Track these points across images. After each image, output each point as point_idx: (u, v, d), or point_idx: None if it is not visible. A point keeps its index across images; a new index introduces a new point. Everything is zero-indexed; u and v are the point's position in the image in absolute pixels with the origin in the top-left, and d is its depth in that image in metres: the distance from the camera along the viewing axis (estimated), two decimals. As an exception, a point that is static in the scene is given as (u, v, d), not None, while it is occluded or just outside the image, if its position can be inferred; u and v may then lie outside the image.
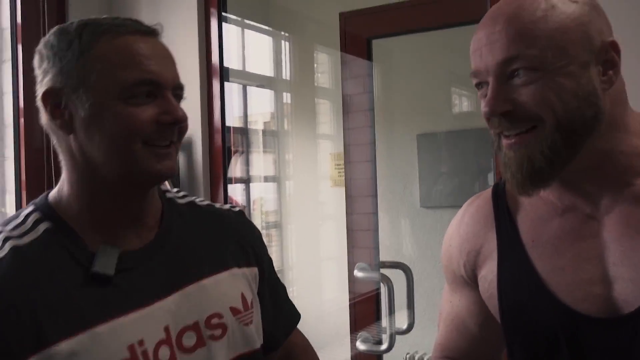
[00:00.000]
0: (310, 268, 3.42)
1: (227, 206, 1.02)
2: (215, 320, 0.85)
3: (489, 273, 0.88)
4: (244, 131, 3.38)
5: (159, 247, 0.85)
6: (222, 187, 2.06)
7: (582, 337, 0.78)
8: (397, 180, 2.86)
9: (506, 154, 0.78)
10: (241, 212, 1.02)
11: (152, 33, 0.82)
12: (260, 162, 3.53)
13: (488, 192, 0.94)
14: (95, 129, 0.78)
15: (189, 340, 0.82)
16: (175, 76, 0.82)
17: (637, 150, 0.78)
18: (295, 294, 3.36)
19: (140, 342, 0.77)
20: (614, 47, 0.76)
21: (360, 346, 2.05)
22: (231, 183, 3.17)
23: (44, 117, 0.81)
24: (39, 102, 0.80)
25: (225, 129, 2.08)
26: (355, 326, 2.21)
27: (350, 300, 2.29)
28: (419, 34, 2.22)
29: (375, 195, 2.32)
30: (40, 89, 0.80)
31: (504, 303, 0.86)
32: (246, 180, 3.41)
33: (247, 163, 3.43)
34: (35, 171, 1.95)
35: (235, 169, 3.36)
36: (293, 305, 1.07)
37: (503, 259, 0.86)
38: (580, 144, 0.75)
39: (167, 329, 0.80)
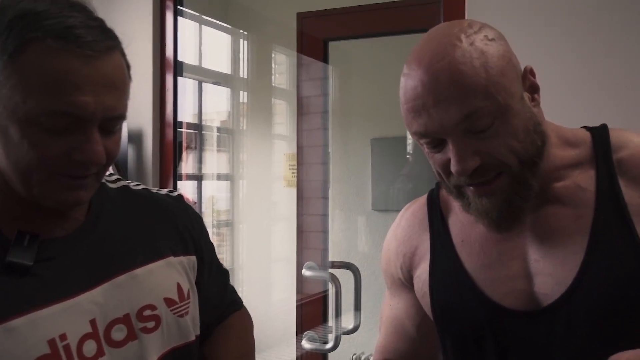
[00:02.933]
0: (261, 268, 3.41)
1: (164, 191, 0.96)
2: (147, 312, 0.80)
3: (422, 273, 0.92)
4: (198, 127, 3.33)
5: (86, 235, 0.79)
6: (171, 183, 2.03)
7: (507, 329, 0.82)
8: (350, 183, 2.88)
9: (479, 202, 0.79)
10: (180, 197, 0.97)
11: (101, 53, 0.68)
12: (214, 160, 3.49)
13: (423, 198, 0.98)
14: (0, 143, 0.69)
15: (119, 333, 0.77)
16: (109, 107, 0.69)
17: (556, 158, 0.82)
18: (245, 294, 3.33)
19: (62, 337, 0.71)
20: (532, 72, 0.80)
21: (306, 345, 2.05)
22: (182, 179, 3.12)
23: None
24: None
25: (177, 123, 2.06)
26: (302, 327, 2.21)
27: (297, 301, 2.29)
28: (376, 39, 2.25)
29: (327, 197, 2.33)
30: None
31: (435, 300, 0.89)
32: (198, 178, 3.36)
33: (200, 160, 3.39)
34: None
35: (188, 165, 3.31)
36: (235, 292, 1.03)
37: (435, 259, 0.90)
38: (540, 168, 0.79)
39: (93, 322, 0.75)
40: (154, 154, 1.99)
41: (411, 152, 2.75)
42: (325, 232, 2.30)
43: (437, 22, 1.52)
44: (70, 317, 0.73)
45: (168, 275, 0.85)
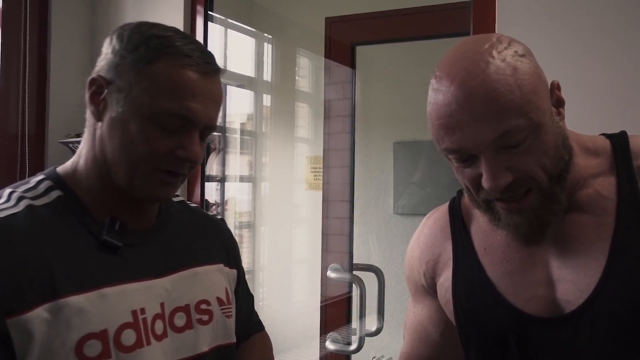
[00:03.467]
0: (282, 270, 3.43)
1: (211, 213, 1.11)
2: (204, 306, 0.90)
3: (445, 280, 0.93)
4: (221, 129, 3.37)
5: (158, 233, 0.91)
6: (199, 185, 2.05)
7: (530, 336, 0.83)
8: (372, 187, 2.89)
9: (510, 218, 0.80)
10: (223, 220, 1.10)
11: (211, 73, 0.84)
12: (237, 162, 3.52)
13: (445, 205, 0.99)
14: (118, 132, 0.82)
15: (180, 320, 0.87)
16: (211, 117, 0.84)
17: (580, 168, 0.83)
18: (266, 295, 3.36)
19: (142, 310, 0.81)
20: (558, 87, 0.80)
21: (330, 346, 2.07)
22: (208, 181, 3.15)
23: (86, 95, 0.85)
24: (87, 80, 0.85)
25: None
26: (325, 328, 2.23)
27: (322, 302, 2.30)
28: (402, 43, 2.26)
29: (352, 201, 2.34)
30: (95, 69, 0.85)
31: (458, 307, 0.91)
32: (221, 179, 3.39)
33: (223, 162, 3.42)
34: (9, 159, 1.92)
35: (212, 167, 3.35)
36: (258, 316, 1.13)
37: (457, 266, 0.92)
38: (567, 182, 0.80)
39: (162, 305, 0.85)
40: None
41: (433, 156, 2.75)
42: (349, 235, 2.31)
43: (466, 27, 1.53)
44: (148, 295, 0.83)
45: (220, 279, 0.97)
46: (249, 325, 1.08)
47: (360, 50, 2.27)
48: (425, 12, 1.93)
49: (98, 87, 0.83)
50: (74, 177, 0.86)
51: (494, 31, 1.47)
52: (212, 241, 1.00)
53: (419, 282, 1.00)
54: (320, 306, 2.30)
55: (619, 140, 0.85)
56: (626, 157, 0.83)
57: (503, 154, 0.75)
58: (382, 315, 2.06)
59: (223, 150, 3.38)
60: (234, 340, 0.96)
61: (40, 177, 0.86)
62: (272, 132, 3.51)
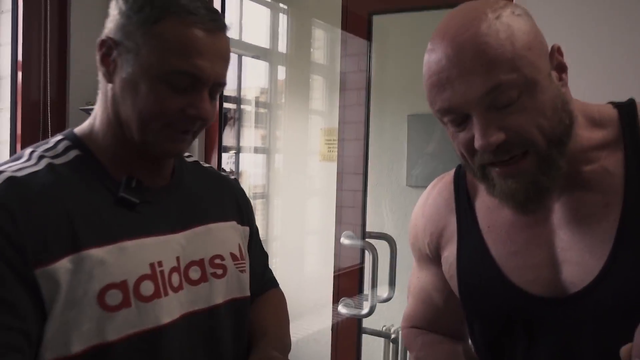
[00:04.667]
0: (295, 240, 3.48)
1: (225, 172, 1.12)
2: (218, 261, 0.93)
3: (450, 255, 0.93)
4: (237, 100, 3.39)
5: (173, 191, 0.93)
6: (216, 154, 2.09)
7: (534, 315, 0.82)
8: (386, 159, 2.90)
9: (504, 184, 0.77)
10: (237, 179, 1.13)
11: (217, 30, 0.84)
12: (251, 133, 3.55)
13: (450, 174, 0.97)
14: (129, 93, 0.83)
15: (195, 274, 0.90)
16: (219, 75, 0.85)
17: (583, 140, 0.80)
18: (279, 265, 3.42)
19: (159, 263, 0.84)
20: (559, 51, 0.77)
21: (342, 310, 2.12)
22: (225, 152, 3.19)
23: (97, 57, 0.86)
24: (97, 42, 0.86)
25: (223, 97, 2.11)
26: (338, 297, 2.27)
27: (335, 272, 2.35)
28: (419, 13, 2.24)
29: (366, 174, 2.36)
30: (104, 31, 0.86)
31: (462, 284, 0.90)
32: (236, 150, 3.43)
33: (238, 133, 3.45)
34: (31, 124, 1.96)
35: (228, 138, 3.38)
36: (272, 273, 1.15)
37: (462, 243, 0.91)
38: (567, 149, 0.77)
39: (178, 259, 0.88)
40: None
41: (441, 132, 2.75)
42: (362, 207, 2.34)
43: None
44: (164, 249, 0.86)
45: (233, 235, 0.99)
46: (263, 281, 1.10)
47: (377, 21, 2.26)
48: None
49: (107, 48, 0.84)
50: (91, 137, 0.88)
51: None
52: (225, 199, 1.02)
53: (423, 251, 1.00)
54: (333, 276, 2.35)
55: (626, 110, 0.81)
56: (634, 129, 0.79)
57: (495, 113, 0.72)
58: (394, 283, 2.10)
59: (238, 122, 3.40)
60: (248, 294, 0.99)
61: (59, 137, 0.88)
62: (286, 104, 3.52)
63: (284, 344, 1.00)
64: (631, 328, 0.63)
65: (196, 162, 1.06)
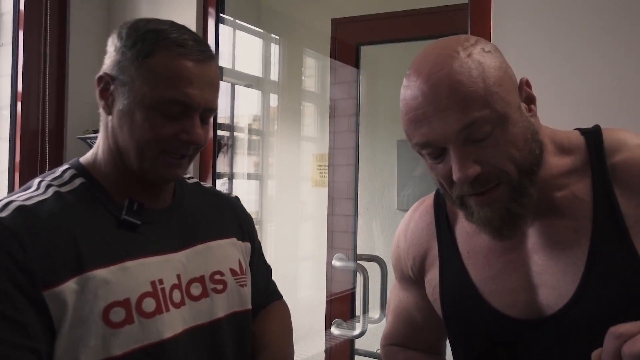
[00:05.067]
0: (288, 266, 3.50)
1: (225, 192, 1.19)
2: (218, 277, 0.98)
3: (433, 279, 0.96)
4: (230, 128, 3.45)
5: (174, 212, 0.99)
6: (210, 181, 2.13)
7: (514, 338, 0.85)
8: (376, 183, 2.96)
9: (481, 211, 0.80)
10: (237, 198, 1.18)
11: (206, 60, 0.90)
12: (244, 160, 3.60)
13: (430, 198, 1.01)
14: (125, 122, 0.89)
15: (196, 290, 0.94)
16: (209, 101, 0.90)
17: (553, 167, 0.84)
18: (272, 290, 3.42)
19: (160, 281, 0.89)
20: (527, 83, 0.81)
21: (335, 331, 2.13)
22: (218, 178, 3.23)
23: (96, 92, 0.93)
24: (95, 78, 0.92)
25: (217, 124, 2.16)
26: (330, 322, 2.29)
27: (327, 297, 2.37)
28: (405, 43, 2.33)
29: (356, 198, 2.41)
30: (102, 68, 0.92)
31: (446, 307, 0.94)
32: (229, 176, 3.48)
33: (231, 159, 3.50)
34: (30, 154, 2.00)
35: (219, 164, 3.43)
36: (276, 286, 1.20)
37: (444, 268, 0.94)
38: (538, 177, 0.81)
39: (179, 277, 0.92)
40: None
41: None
42: (354, 232, 2.38)
43: (463, 27, 1.61)
44: (165, 268, 0.91)
45: (233, 252, 1.04)
46: (266, 293, 1.15)
47: (365, 50, 2.35)
48: (425, 14, 2.01)
49: (105, 83, 0.91)
50: (94, 166, 0.94)
51: (489, 31, 1.54)
52: (225, 217, 1.07)
53: (405, 273, 1.03)
54: (326, 300, 2.37)
55: (592, 136, 0.85)
56: (600, 155, 0.82)
57: (470, 147, 0.76)
58: (385, 303, 2.12)
59: (232, 148, 3.46)
60: (249, 307, 1.03)
61: (65, 166, 0.94)
62: (279, 131, 3.59)
63: (286, 356, 1.04)
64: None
65: (197, 183, 1.12)
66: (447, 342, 1.08)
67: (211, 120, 0.95)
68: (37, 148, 2.00)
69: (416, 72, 0.79)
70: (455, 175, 0.77)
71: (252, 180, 3.60)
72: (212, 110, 0.92)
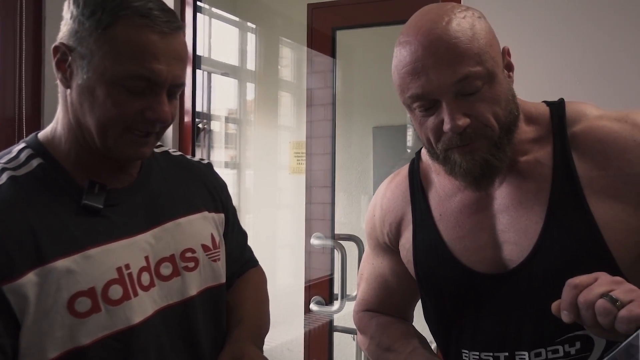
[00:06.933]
0: (266, 253, 3.53)
1: (196, 158, 1.10)
2: (189, 254, 0.94)
3: (407, 242, 1.02)
4: (207, 117, 3.46)
5: (140, 189, 0.93)
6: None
7: (479, 290, 0.93)
8: (353, 170, 3.01)
9: (463, 161, 0.86)
10: (209, 164, 1.11)
11: (172, 31, 0.83)
12: (222, 149, 3.62)
13: (405, 170, 1.06)
14: (86, 99, 0.82)
15: (166, 270, 0.91)
16: (176, 76, 0.84)
17: (522, 133, 0.90)
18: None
19: (127, 266, 0.85)
20: (508, 52, 0.89)
21: (314, 307, 2.17)
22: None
23: (52, 63, 0.86)
24: (51, 48, 0.85)
25: (195, 113, 2.17)
26: (308, 308, 2.32)
27: (305, 283, 2.41)
28: (380, 28, 2.37)
29: (333, 186, 2.45)
30: (58, 36, 0.85)
31: (418, 266, 1.00)
32: (207, 165, 3.48)
33: (208, 149, 3.51)
34: (6, 141, 1.99)
35: (197, 154, 3.43)
36: (252, 252, 1.16)
37: (417, 230, 1.00)
38: (514, 137, 0.88)
39: (147, 259, 0.88)
40: (173, 141, 2.11)
41: (411, 139, 2.88)
42: (331, 219, 2.42)
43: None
44: (131, 252, 0.87)
45: (204, 226, 0.99)
46: (241, 261, 1.11)
47: (341, 36, 2.38)
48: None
49: (62, 54, 0.83)
50: (53, 143, 0.86)
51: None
52: (195, 189, 1.01)
53: (380, 240, 1.08)
54: (305, 286, 2.41)
55: (556, 108, 0.92)
56: (562, 125, 0.89)
57: (461, 100, 0.83)
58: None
59: (209, 138, 3.47)
60: (223, 281, 1.00)
61: (22, 145, 0.87)
62: (256, 120, 3.61)
63: (260, 329, 1.03)
64: (558, 297, 0.71)
65: (165, 152, 1.04)
66: (415, 310, 1.15)
67: (188, 91, 0.91)
68: (14, 134, 1.99)
69: (415, 28, 0.85)
70: (447, 126, 0.83)
71: (230, 170, 3.61)
72: (180, 85, 0.86)
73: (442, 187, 0.99)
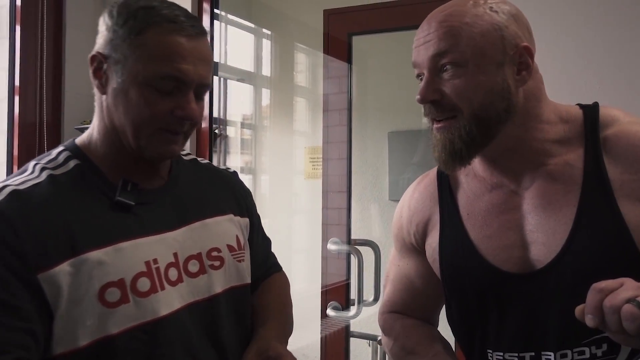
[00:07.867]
0: (283, 258, 3.53)
1: (223, 167, 1.18)
2: (215, 253, 0.99)
3: (433, 241, 1.03)
4: (223, 122, 3.48)
5: (170, 190, 0.99)
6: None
7: (505, 290, 0.93)
8: (369, 175, 3.01)
9: (434, 136, 0.92)
10: (235, 172, 1.17)
11: (198, 35, 0.91)
12: (237, 153, 3.64)
13: (433, 172, 1.09)
14: (120, 101, 0.89)
15: (194, 267, 0.96)
16: (203, 77, 0.91)
17: (548, 135, 0.92)
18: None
19: (155, 260, 0.90)
20: (527, 51, 0.89)
21: (331, 312, 2.17)
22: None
23: (89, 72, 0.93)
24: (88, 58, 0.93)
25: (212, 118, 2.20)
26: (325, 312, 2.33)
27: (322, 288, 2.41)
28: (396, 33, 2.38)
29: (349, 191, 2.45)
30: (94, 47, 0.93)
31: (444, 265, 1.01)
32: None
33: (224, 154, 3.53)
34: (28, 146, 2.03)
35: (213, 159, 3.45)
36: (276, 258, 1.21)
37: (444, 229, 1.01)
38: (495, 131, 0.89)
39: (175, 255, 0.94)
40: (191, 147, 2.13)
41: (425, 144, 2.88)
42: (347, 225, 2.42)
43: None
44: (160, 247, 0.92)
45: (230, 228, 1.05)
46: (266, 266, 1.16)
47: (357, 42, 2.39)
48: (417, 4, 2.05)
49: (98, 62, 0.91)
50: (89, 147, 0.94)
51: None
52: (221, 193, 1.07)
53: (407, 240, 1.09)
54: (321, 291, 2.41)
55: (590, 111, 0.93)
56: (594, 127, 0.91)
57: (438, 77, 0.89)
58: (379, 286, 2.17)
59: (225, 142, 3.49)
60: (248, 281, 1.05)
61: (60, 148, 0.95)
62: (271, 126, 3.62)
63: (285, 329, 1.06)
64: (585, 299, 0.71)
65: (194, 159, 1.12)
66: (440, 315, 1.14)
67: (205, 97, 0.97)
68: (35, 140, 2.03)
69: (433, 12, 0.93)
70: (417, 96, 0.90)
71: (246, 175, 3.63)
72: (206, 85, 0.93)
73: (471, 188, 1.00)
